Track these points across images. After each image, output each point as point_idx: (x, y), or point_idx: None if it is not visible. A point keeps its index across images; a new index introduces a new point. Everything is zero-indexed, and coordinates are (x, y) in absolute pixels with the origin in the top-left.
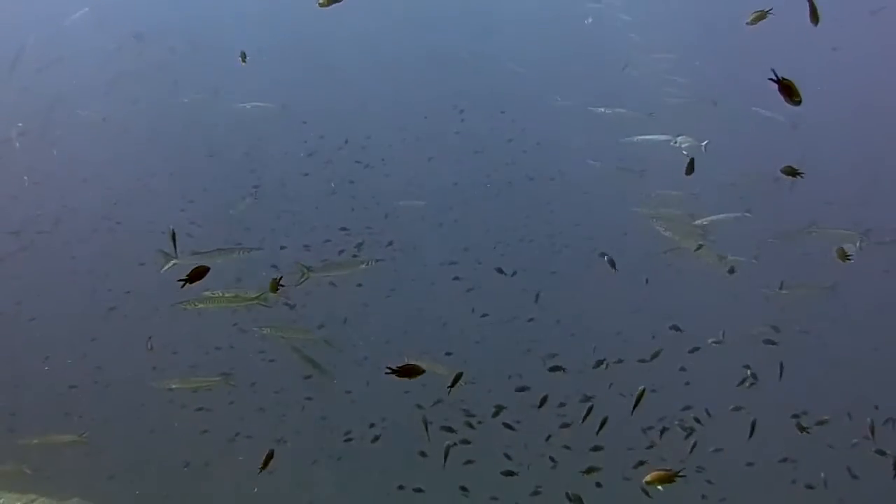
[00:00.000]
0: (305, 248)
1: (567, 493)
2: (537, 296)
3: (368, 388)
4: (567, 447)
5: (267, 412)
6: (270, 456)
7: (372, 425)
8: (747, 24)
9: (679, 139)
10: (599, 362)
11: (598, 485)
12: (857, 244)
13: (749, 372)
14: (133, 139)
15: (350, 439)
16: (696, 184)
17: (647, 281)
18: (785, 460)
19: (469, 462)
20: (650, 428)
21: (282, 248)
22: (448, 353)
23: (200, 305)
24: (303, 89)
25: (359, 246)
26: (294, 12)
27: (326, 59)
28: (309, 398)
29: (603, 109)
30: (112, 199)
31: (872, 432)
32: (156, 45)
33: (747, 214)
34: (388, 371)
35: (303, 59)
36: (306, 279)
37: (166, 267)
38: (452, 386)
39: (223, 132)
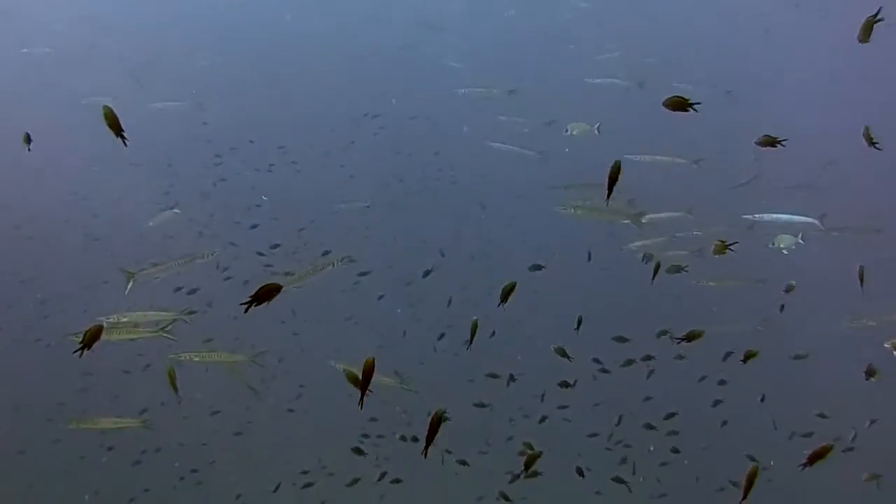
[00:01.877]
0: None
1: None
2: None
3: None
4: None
5: (186, 447)
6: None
7: (305, 472)
8: None
9: (570, 126)
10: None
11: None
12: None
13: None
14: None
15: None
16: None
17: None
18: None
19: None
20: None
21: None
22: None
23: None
24: (213, 90)
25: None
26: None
27: (242, 60)
28: (238, 433)
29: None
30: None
31: None
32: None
33: (689, 216)
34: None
35: (217, 60)
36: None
37: (129, 286)
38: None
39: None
